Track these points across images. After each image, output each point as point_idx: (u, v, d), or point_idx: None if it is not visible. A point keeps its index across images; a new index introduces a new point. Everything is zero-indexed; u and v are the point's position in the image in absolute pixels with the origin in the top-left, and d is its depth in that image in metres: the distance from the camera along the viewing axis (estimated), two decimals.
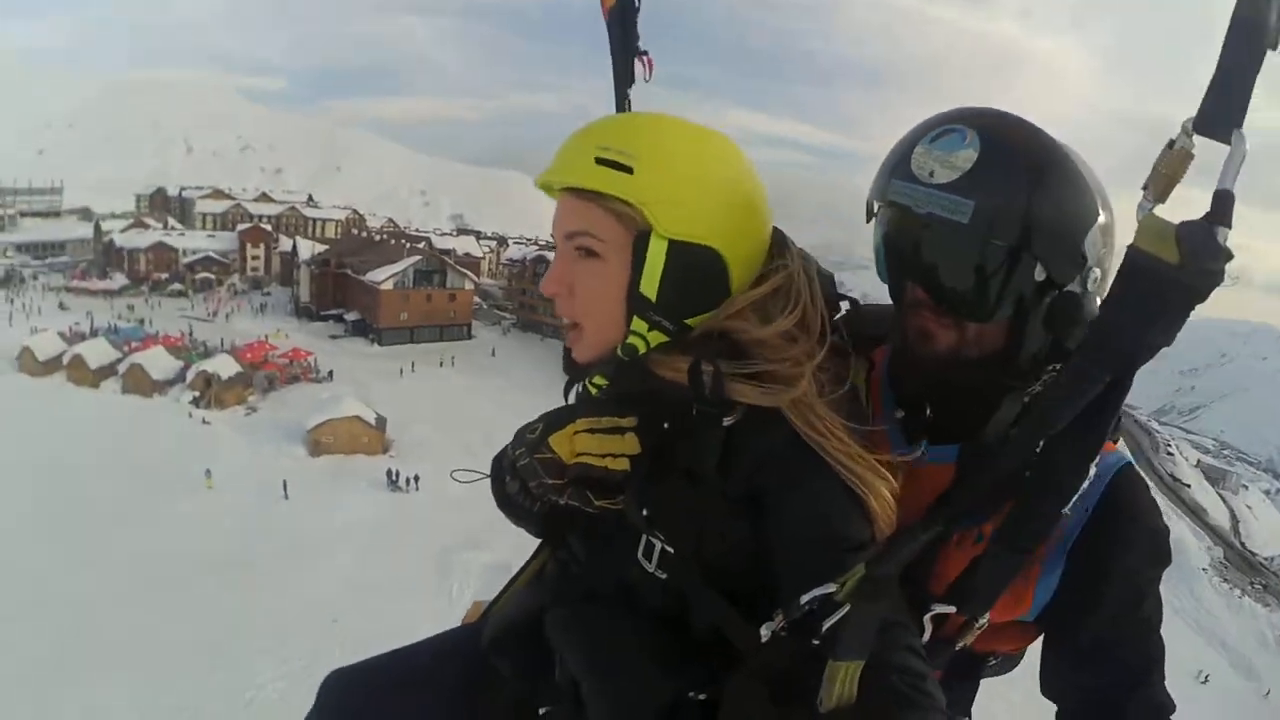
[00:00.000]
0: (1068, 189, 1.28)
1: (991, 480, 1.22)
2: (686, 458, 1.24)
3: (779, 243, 1.39)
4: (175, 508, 29.35)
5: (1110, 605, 1.35)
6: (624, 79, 1.98)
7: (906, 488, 1.28)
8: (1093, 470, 1.25)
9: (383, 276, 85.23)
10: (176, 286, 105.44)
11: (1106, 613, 1.35)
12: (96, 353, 67.42)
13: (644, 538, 1.29)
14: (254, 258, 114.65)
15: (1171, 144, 1.10)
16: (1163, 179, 1.10)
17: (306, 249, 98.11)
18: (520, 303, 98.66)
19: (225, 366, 62.82)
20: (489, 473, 1.53)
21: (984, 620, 1.37)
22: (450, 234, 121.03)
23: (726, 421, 1.22)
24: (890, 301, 1.51)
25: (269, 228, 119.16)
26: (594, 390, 1.36)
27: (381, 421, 54.66)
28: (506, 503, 1.49)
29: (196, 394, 60.21)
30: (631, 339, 1.28)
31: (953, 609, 1.34)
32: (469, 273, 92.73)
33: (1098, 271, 1.33)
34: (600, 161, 1.23)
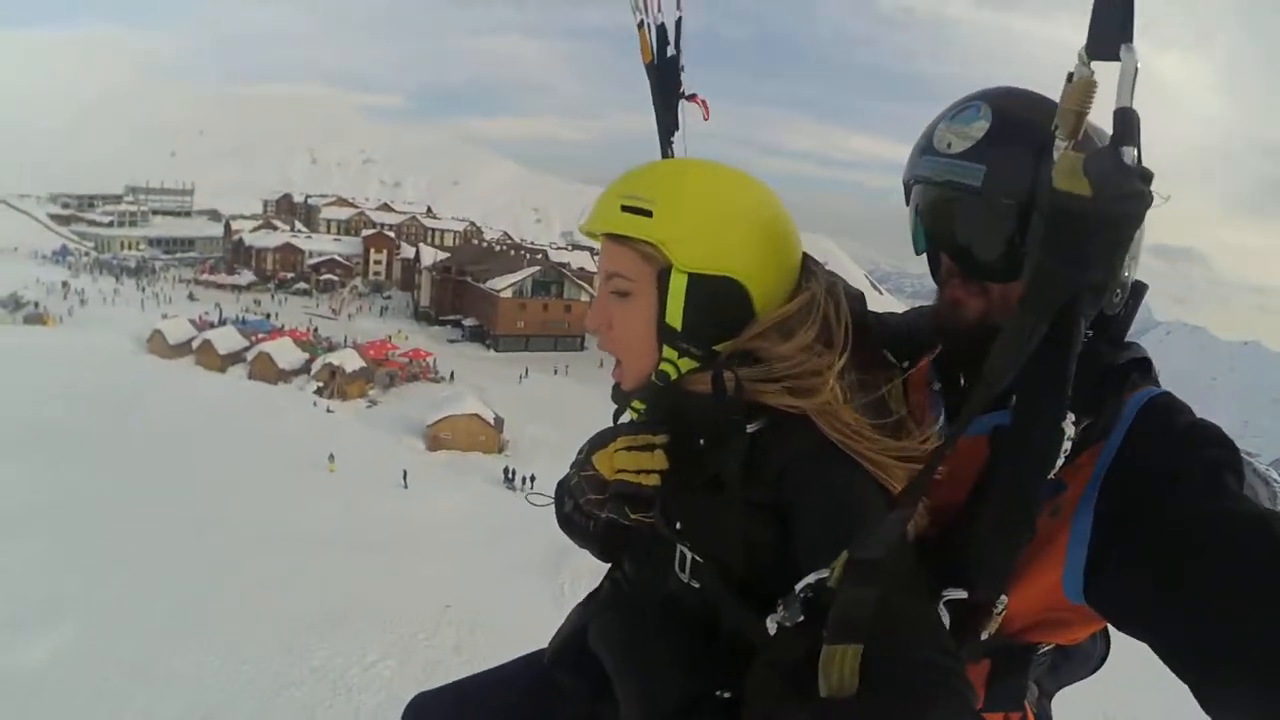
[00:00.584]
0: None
1: (952, 441, 1.11)
2: (713, 466, 1.29)
3: (806, 267, 1.44)
4: (299, 487, 28.83)
5: (1168, 543, 1.14)
6: (666, 128, 2.13)
7: (945, 466, 1.19)
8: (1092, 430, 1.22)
9: (502, 285, 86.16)
10: (302, 285, 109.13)
11: (1167, 555, 1.13)
12: (225, 340, 69.42)
13: (677, 549, 1.35)
14: (376, 262, 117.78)
15: (1070, 76, 1.08)
16: (1070, 115, 1.08)
17: (429, 255, 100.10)
18: None
19: (349, 360, 63.70)
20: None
21: (1002, 605, 1.29)
22: (565, 248, 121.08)
23: (750, 429, 1.29)
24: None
25: (392, 234, 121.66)
26: (635, 415, 1.49)
27: (499, 421, 54.43)
28: (566, 522, 1.64)
29: (321, 384, 61.10)
30: (664, 365, 1.37)
31: (964, 594, 1.26)
32: (585, 284, 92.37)
33: None
34: (625, 209, 1.34)
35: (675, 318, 1.33)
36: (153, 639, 9.71)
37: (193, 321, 75.45)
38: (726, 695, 1.26)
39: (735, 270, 1.32)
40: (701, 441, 1.31)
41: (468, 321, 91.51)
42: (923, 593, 1.15)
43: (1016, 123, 1.30)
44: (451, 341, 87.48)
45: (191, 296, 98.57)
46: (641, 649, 1.39)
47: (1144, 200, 1.01)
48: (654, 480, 1.35)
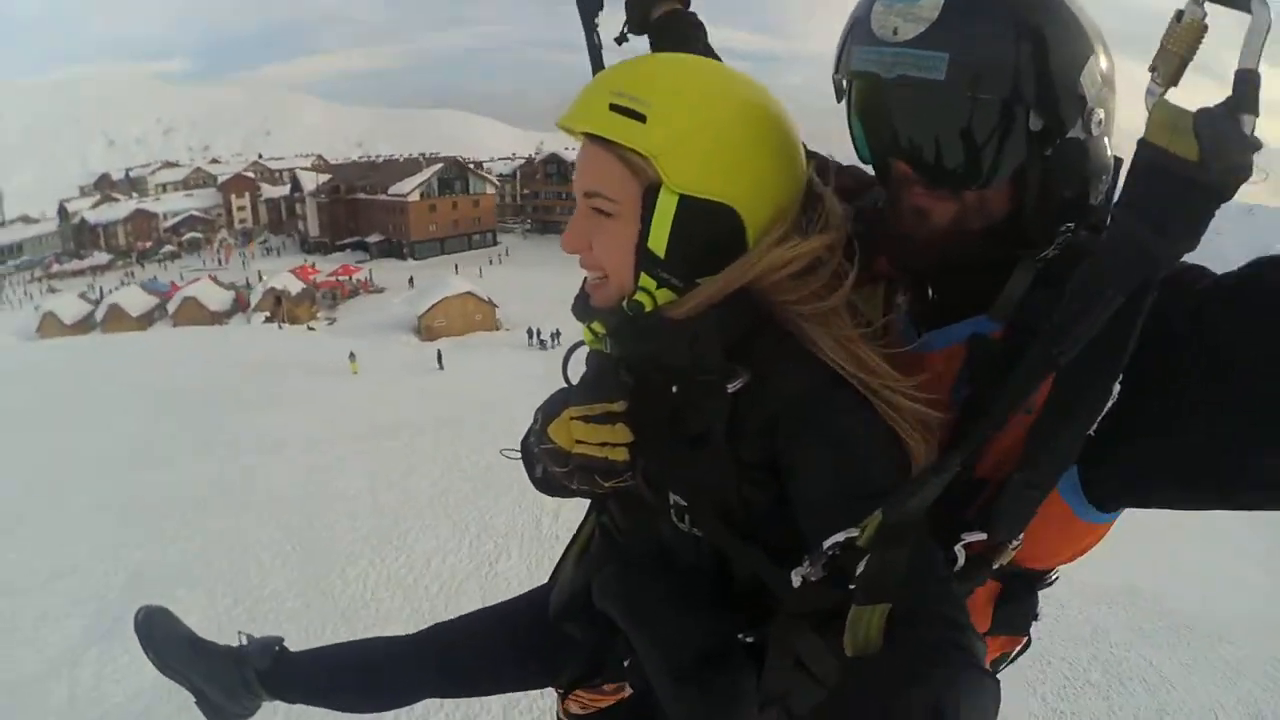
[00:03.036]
0: (1054, 24, 1.11)
1: (1002, 411, 1.05)
2: (693, 425, 1.19)
3: (815, 195, 1.24)
4: (336, 389, 26.54)
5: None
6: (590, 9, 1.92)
7: (923, 379, 1.16)
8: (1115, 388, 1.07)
9: (408, 188, 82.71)
10: (169, 249, 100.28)
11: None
12: (133, 301, 63.76)
13: (670, 499, 1.27)
14: (240, 208, 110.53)
15: (1180, 15, 0.94)
16: (1173, 58, 0.94)
17: (310, 180, 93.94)
18: (535, 205, 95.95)
19: (291, 283, 59.68)
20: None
21: (1018, 541, 1.21)
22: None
23: (731, 388, 1.15)
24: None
25: (252, 175, 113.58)
26: (590, 336, 1.31)
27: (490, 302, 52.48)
28: (541, 486, 1.50)
29: (267, 314, 57.00)
30: (639, 295, 1.20)
31: (982, 536, 1.18)
32: (489, 177, 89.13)
33: (1101, 112, 1.15)
34: (614, 108, 1.14)
35: (659, 244, 1.16)
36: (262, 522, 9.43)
37: (83, 297, 68.57)
38: (749, 640, 1.20)
39: (735, 198, 1.15)
40: (674, 389, 1.19)
41: (372, 239, 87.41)
42: (936, 542, 1.07)
43: None
44: (360, 264, 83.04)
45: (52, 289, 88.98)
46: (650, 605, 1.27)
47: (1247, 174, 0.89)
48: (621, 455, 1.22)
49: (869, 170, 1.36)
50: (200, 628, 2.13)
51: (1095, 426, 1.07)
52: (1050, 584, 1.40)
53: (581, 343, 1.35)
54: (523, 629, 1.78)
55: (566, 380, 1.34)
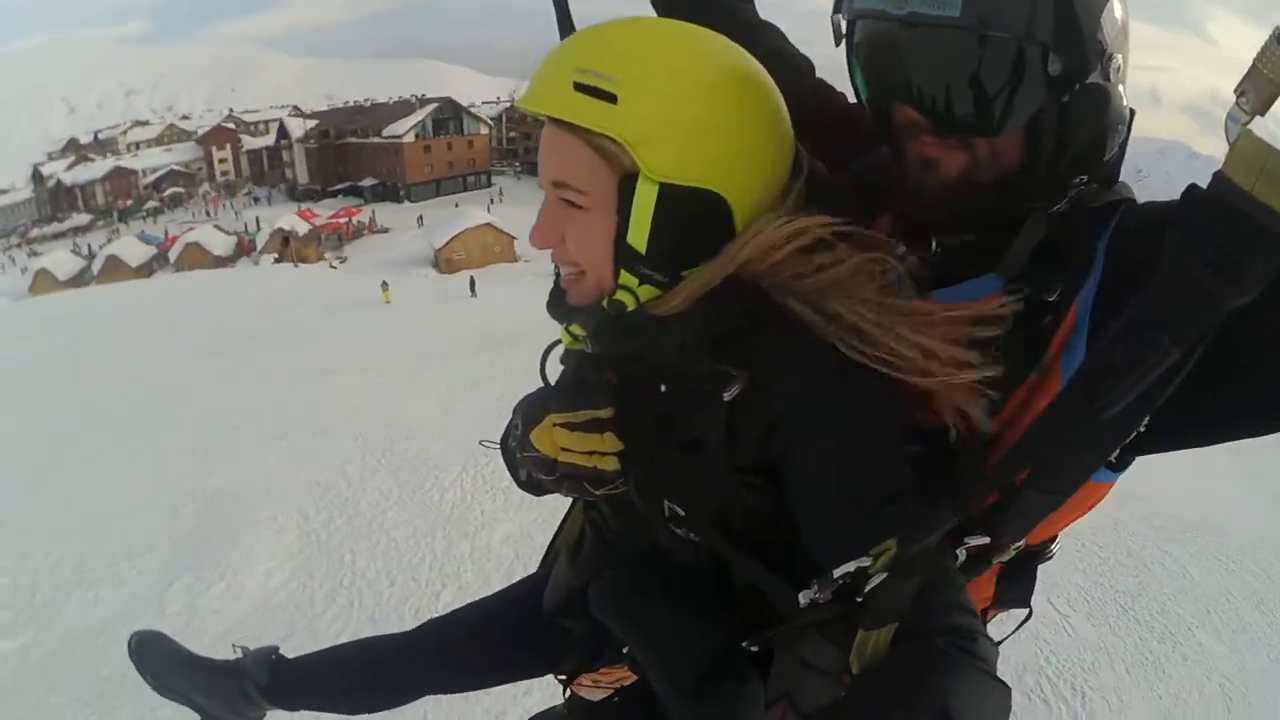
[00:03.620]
0: None
1: (1013, 469, 1.01)
2: (687, 430, 1.10)
3: (800, 165, 1.14)
4: (374, 319, 26.17)
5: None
6: None
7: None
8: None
9: (404, 129, 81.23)
10: (152, 205, 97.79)
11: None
12: (131, 251, 62.35)
13: (664, 505, 1.18)
14: (221, 160, 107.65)
15: None
16: (1266, 84, 0.82)
17: (297, 127, 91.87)
18: (525, 147, 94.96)
19: (297, 224, 58.38)
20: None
21: (1021, 543, 1.20)
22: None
23: (726, 396, 1.04)
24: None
25: (232, 126, 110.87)
26: (569, 339, 1.21)
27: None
28: (527, 487, 1.38)
29: (275, 255, 55.75)
30: (620, 294, 1.07)
31: (986, 540, 1.15)
32: (483, 117, 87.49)
33: (1119, 58, 1.07)
34: (580, 87, 1.00)
35: (639, 238, 1.04)
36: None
37: (74, 252, 66.89)
38: (754, 649, 1.15)
39: (720, 182, 1.03)
40: (663, 389, 1.11)
41: (365, 183, 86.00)
42: (945, 547, 1.04)
43: None
44: (357, 208, 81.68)
45: (34, 253, 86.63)
46: (650, 618, 1.20)
47: None
48: (610, 464, 1.13)
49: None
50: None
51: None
52: (1050, 557, 1.36)
53: (559, 342, 1.24)
54: (521, 619, 1.70)
55: (545, 381, 1.23)
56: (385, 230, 65.67)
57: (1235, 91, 0.84)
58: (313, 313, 27.28)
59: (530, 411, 1.19)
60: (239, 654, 2.03)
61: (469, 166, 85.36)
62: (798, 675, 1.06)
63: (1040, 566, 1.38)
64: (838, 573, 0.96)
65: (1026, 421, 1.03)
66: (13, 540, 6.35)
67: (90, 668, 4.35)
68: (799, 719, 1.06)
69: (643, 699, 1.39)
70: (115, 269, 59.92)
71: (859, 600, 0.95)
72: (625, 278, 1.06)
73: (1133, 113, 1.13)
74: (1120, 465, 1.13)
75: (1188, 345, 0.84)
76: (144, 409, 11.36)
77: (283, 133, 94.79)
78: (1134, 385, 0.85)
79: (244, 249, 61.67)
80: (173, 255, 60.30)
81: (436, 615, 1.91)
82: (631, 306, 1.07)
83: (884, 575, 0.94)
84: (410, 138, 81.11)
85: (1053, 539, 1.31)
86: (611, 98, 0.98)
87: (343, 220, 67.20)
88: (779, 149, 1.09)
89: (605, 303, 1.09)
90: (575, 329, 1.16)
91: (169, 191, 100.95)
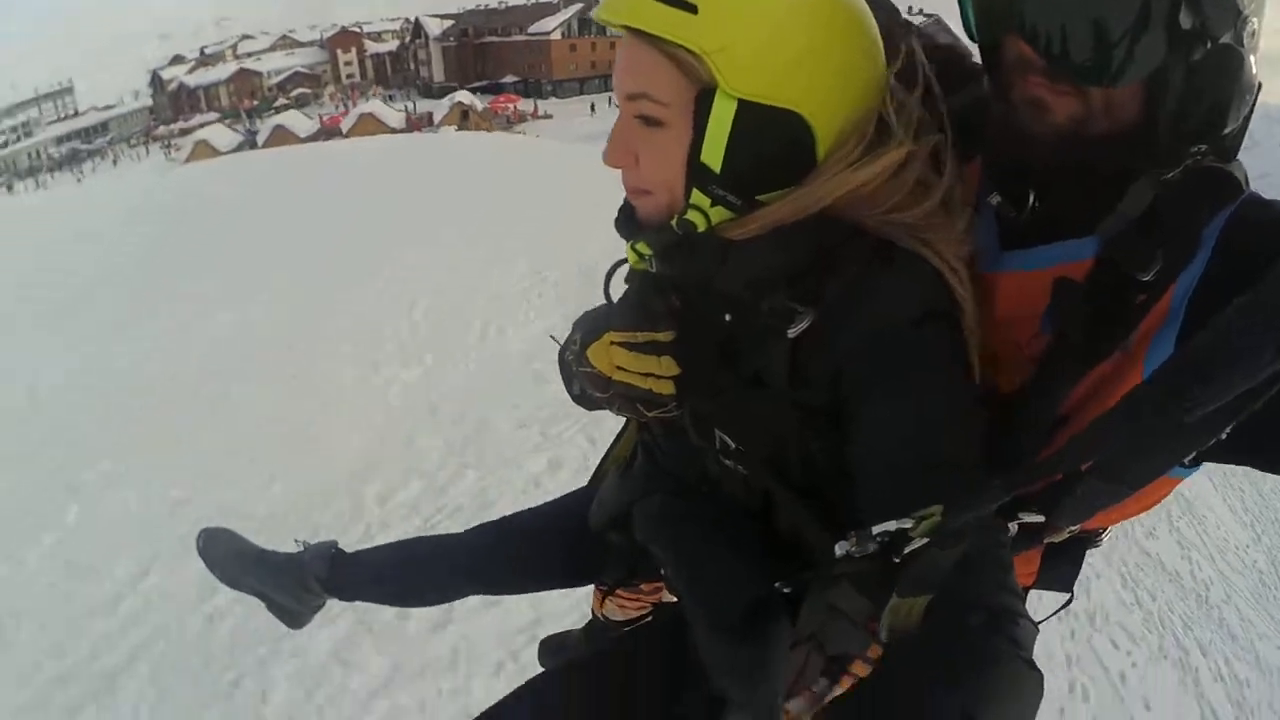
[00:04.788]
0: None
1: (1076, 458, 0.90)
2: (749, 365, 1.08)
3: (898, 101, 1.07)
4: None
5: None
6: None
7: (986, 303, 1.06)
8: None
9: (552, 26, 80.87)
10: (281, 103, 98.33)
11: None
12: (298, 124, 63.34)
13: (715, 434, 1.15)
14: (347, 63, 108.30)
15: None
16: None
17: (435, 25, 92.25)
18: None
19: (475, 100, 58.43)
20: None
21: (1076, 526, 1.14)
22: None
23: (792, 332, 1.01)
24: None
25: (357, 30, 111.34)
26: (634, 258, 1.14)
27: None
28: (580, 402, 1.39)
29: (455, 126, 55.88)
30: (690, 213, 1.04)
31: (1041, 519, 1.10)
32: None
33: (1255, 22, 0.98)
34: None
35: (714, 156, 1.00)
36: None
37: (230, 128, 67.71)
38: (786, 590, 1.13)
39: (802, 103, 0.98)
40: (728, 318, 1.08)
41: (507, 80, 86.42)
42: (996, 523, 1.01)
43: None
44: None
45: (167, 145, 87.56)
46: (693, 550, 1.20)
47: None
48: (666, 388, 1.10)
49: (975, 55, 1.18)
50: None
51: None
52: (1099, 544, 1.32)
53: (624, 261, 1.20)
54: (571, 528, 1.71)
55: (608, 298, 1.22)
56: (549, 117, 65.64)
57: None
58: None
59: (590, 327, 1.19)
60: (300, 547, 2.11)
61: (610, 68, 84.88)
62: (825, 619, 1.00)
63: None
64: (877, 529, 0.90)
65: (1098, 408, 0.99)
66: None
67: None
68: (824, 660, 1.00)
69: (666, 631, 1.40)
70: (284, 139, 60.41)
71: (896, 561, 0.89)
72: (697, 197, 1.02)
73: (1260, 85, 1.03)
74: (1194, 464, 1.04)
75: None
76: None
77: (417, 32, 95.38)
78: (1225, 391, 0.74)
79: (413, 124, 61.88)
80: (346, 126, 61.01)
81: (489, 519, 1.96)
82: (701, 227, 1.03)
83: (924, 541, 0.87)
84: (557, 35, 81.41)
85: (1106, 528, 1.25)
86: (691, 8, 0.94)
87: (508, 106, 67.14)
88: (868, 74, 1.03)
89: (674, 221, 1.04)
90: (641, 247, 1.10)
91: (295, 92, 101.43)
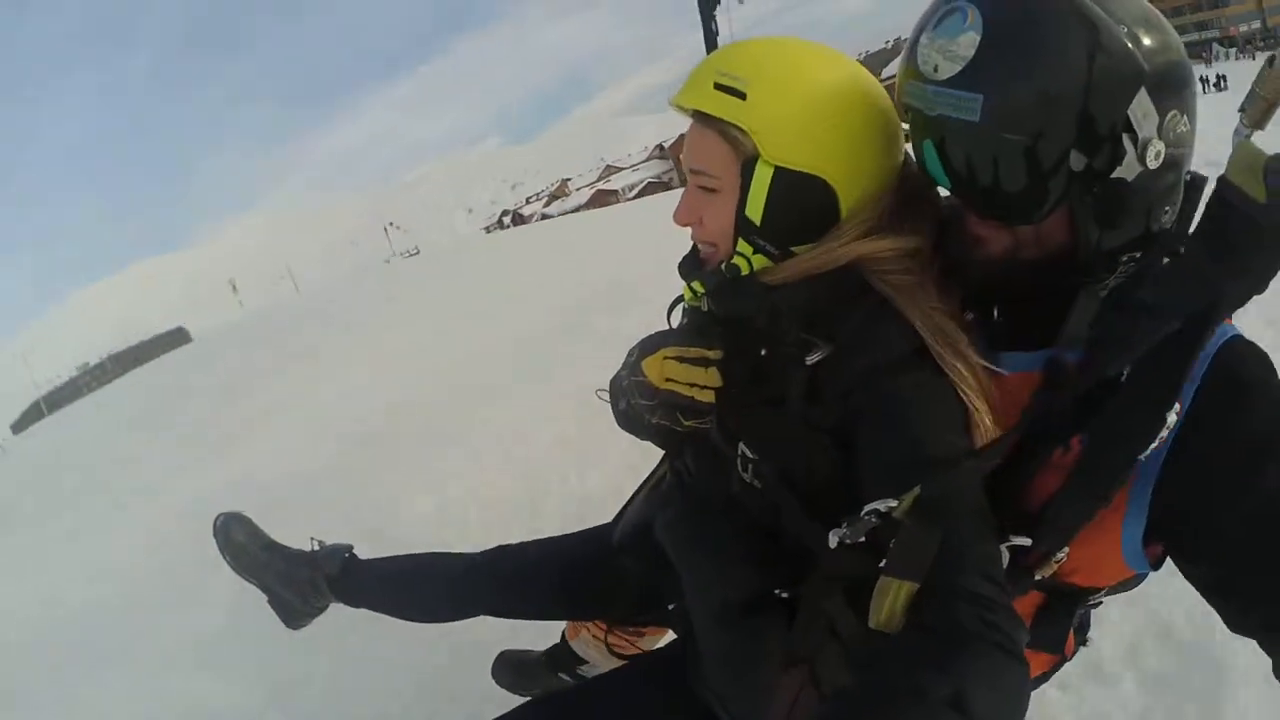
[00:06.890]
0: (1098, 55, 1.00)
1: (1047, 416, 1.08)
2: (774, 387, 1.21)
3: (915, 191, 1.25)
4: None
5: (1232, 488, 1.00)
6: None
7: (996, 399, 1.16)
8: (1171, 415, 1.00)
9: None
10: None
11: (1230, 502, 1.00)
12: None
13: (739, 448, 1.28)
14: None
15: (1272, 60, 0.99)
16: (1260, 103, 1.01)
17: None
18: None
19: None
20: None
21: (1063, 554, 1.15)
22: None
23: (809, 360, 1.16)
24: None
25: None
26: (689, 295, 1.35)
27: None
28: (623, 420, 1.57)
29: None
30: (736, 259, 1.25)
31: (1028, 541, 1.12)
32: None
33: (1158, 144, 1.03)
34: (718, 86, 1.19)
35: (755, 211, 1.20)
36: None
37: None
38: (784, 595, 1.24)
39: (826, 170, 1.18)
40: (763, 352, 1.22)
41: None
42: (988, 528, 1.05)
43: (1012, 30, 1.02)
44: None
45: None
46: (706, 546, 1.34)
47: None
48: (708, 397, 1.26)
49: None
50: None
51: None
52: (1095, 605, 1.35)
53: (681, 298, 1.38)
54: (587, 558, 1.86)
55: (669, 323, 1.41)
56: None
57: (1239, 110, 1.03)
58: None
59: (648, 344, 1.33)
60: (315, 546, 2.16)
61: None
62: (823, 641, 1.10)
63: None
64: (866, 509, 1.00)
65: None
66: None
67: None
68: (817, 697, 1.09)
69: (650, 676, 1.56)
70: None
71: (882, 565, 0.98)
72: (742, 245, 1.22)
73: (1200, 179, 1.13)
74: (1155, 565, 1.14)
75: (1183, 315, 0.95)
76: None
77: None
78: (1135, 346, 0.98)
79: None
80: None
81: (509, 543, 2.03)
82: (745, 271, 1.23)
83: (908, 519, 0.98)
84: None
85: (1100, 588, 1.25)
86: (742, 95, 1.15)
87: None
88: (884, 153, 1.22)
89: (724, 266, 1.25)
90: (696, 285, 1.30)
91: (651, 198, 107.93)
